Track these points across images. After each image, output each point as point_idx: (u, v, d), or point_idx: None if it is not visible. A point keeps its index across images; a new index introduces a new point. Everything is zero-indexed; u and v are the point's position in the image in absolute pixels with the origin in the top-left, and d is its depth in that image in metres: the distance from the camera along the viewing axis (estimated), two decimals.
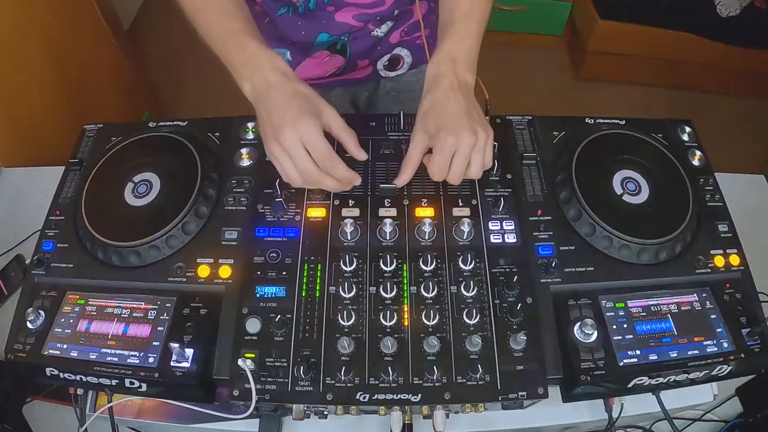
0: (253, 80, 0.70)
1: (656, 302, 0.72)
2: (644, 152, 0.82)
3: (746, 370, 0.73)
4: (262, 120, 0.69)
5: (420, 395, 0.64)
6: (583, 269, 0.73)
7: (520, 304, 0.68)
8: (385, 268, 0.71)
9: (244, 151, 0.82)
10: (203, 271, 0.72)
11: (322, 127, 0.68)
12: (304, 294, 0.70)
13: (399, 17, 0.96)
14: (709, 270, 0.75)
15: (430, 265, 0.72)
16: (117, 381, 0.67)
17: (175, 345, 0.64)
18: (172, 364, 0.65)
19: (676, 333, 0.70)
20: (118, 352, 0.67)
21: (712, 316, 0.71)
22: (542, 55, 2.62)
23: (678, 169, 0.81)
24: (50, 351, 0.68)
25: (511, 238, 0.75)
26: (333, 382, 0.65)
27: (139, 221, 0.74)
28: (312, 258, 0.73)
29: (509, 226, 0.76)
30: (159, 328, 0.68)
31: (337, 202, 0.77)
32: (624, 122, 0.88)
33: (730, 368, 0.69)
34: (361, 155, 0.74)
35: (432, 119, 0.70)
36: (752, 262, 0.76)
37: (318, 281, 0.71)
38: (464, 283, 0.70)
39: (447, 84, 0.71)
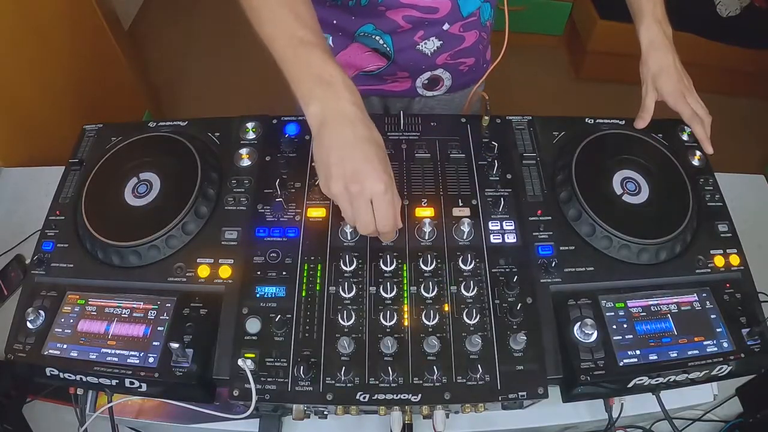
0: (325, 105, 0.64)
1: (656, 302, 0.72)
2: (644, 152, 0.82)
3: (746, 370, 0.73)
4: (322, 149, 0.64)
5: (420, 395, 0.64)
6: (583, 269, 0.73)
7: (520, 304, 0.68)
8: (385, 268, 0.71)
9: (244, 151, 0.82)
10: (203, 271, 0.72)
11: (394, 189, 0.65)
12: (304, 294, 0.70)
13: (449, 41, 0.96)
14: (709, 270, 0.75)
15: (430, 265, 0.72)
16: (117, 381, 0.67)
17: (175, 345, 0.64)
18: (172, 364, 0.65)
19: (676, 333, 0.70)
20: (118, 352, 0.67)
21: (712, 316, 0.71)
22: (542, 55, 2.61)
23: (678, 169, 0.81)
24: (50, 351, 0.68)
25: (511, 238, 0.75)
26: (333, 382, 0.65)
27: (139, 221, 0.74)
28: (312, 258, 0.73)
29: (509, 226, 0.76)
30: (159, 328, 0.68)
31: None
32: (624, 122, 0.88)
33: (730, 368, 0.69)
34: (398, 224, 0.68)
35: (666, 82, 0.87)
36: (752, 262, 0.76)
37: (318, 281, 0.71)
38: (464, 283, 0.70)
39: (666, 46, 0.88)
